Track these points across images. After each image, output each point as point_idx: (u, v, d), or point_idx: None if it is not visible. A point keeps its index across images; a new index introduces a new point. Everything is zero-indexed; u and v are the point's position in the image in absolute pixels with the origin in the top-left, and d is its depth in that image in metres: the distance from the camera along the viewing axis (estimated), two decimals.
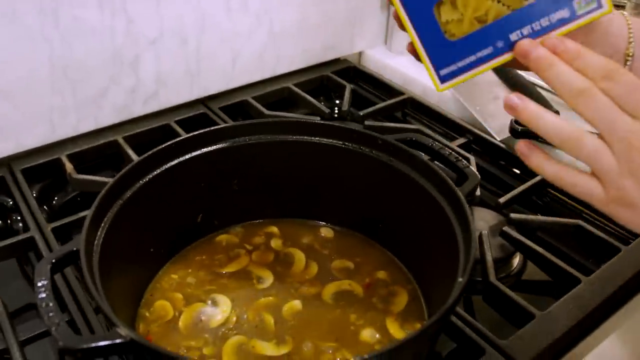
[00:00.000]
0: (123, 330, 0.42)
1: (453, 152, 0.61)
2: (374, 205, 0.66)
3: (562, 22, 0.47)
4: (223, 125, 0.65)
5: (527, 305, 0.64)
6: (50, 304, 0.44)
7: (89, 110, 0.88)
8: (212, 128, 0.65)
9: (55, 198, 0.85)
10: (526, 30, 0.48)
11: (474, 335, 0.61)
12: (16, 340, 0.59)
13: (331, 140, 0.65)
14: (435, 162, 0.64)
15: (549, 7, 0.47)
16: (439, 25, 0.50)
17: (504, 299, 0.66)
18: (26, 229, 0.76)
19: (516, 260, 0.76)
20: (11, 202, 0.82)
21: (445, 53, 0.51)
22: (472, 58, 0.50)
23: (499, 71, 1.03)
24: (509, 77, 1.02)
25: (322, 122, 0.65)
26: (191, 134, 0.63)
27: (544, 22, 0.47)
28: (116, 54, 0.86)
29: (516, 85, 1.01)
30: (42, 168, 0.85)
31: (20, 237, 0.72)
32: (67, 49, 0.82)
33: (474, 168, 0.85)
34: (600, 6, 0.46)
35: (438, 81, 0.55)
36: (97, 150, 0.88)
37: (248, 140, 0.65)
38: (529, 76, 1.03)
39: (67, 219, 0.75)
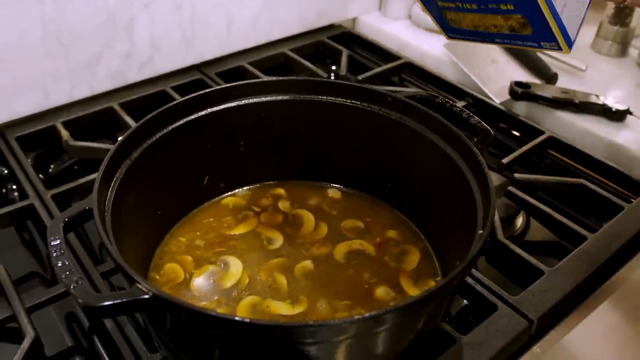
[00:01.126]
0: (144, 286, 0.41)
1: (463, 109, 0.60)
2: (382, 164, 0.65)
3: (531, 46, 0.57)
4: (229, 84, 0.63)
5: (536, 262, 0.65)
6: (67, 262, 0.43)
7: (83, 76, 0.86)
8: (218, 87, 0.63)
9: (52, 166, 0.84)
10: (507, 40, 0.57)
11: (485, 291, 0.61)
12: (23, 308, 0.58)
13: (339, 99, 0.64)
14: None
15: (524, 38, 0.56)
16: (444, 17, 0.59)
17: (513, 257, 0.66)
18: (23, 197, 0.75)
19: (519, 221, 0.76)
20: (6, 171, 0.80)
21: (449, 29, 0.61)
22: (470, 37, 0.60)
23: None
24: None
25: (329, 80, 0.64)
26: (197, 94, 0.62)
27: (519, 42, 0.57)
28: (110, 17, 0.84)
29: (514, 48, 1.01)
30: (37, 136, 0.83)
31: (19, 205, 0.71)
32: (60, 12, 0.79)
33: None
34: (560, 48, 0.55)
35: (445, 35, 0.63)
36: (93, 117, 0.86)
37: (254, 100, 0.64)
38: None
39: (66, 185, 0.73)
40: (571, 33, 0.55)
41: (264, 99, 0.64)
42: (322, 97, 0.64)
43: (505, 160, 0.80)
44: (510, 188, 0.75)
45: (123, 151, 0.55)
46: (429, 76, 1.00)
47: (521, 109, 0.92)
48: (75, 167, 0.84)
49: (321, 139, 0.67)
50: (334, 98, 0.64)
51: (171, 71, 0.95)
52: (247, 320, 0.39)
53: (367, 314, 0.40)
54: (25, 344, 0.54)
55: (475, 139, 0.58)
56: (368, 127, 0.64)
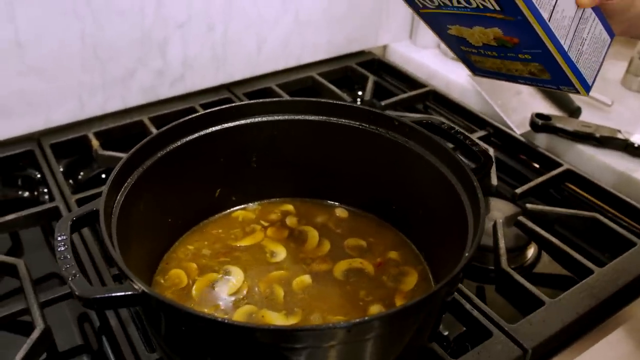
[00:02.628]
0: (136, 284, 0.44)
1: (467, 135, 0.62)
2: (388, 186, 0.67)
3: (551, 88, 0.61)
4: (244, 102, 0.67)
5: (537, 292, 0.65)
6: (68, 256, 0.46)
7: (117, 90, 0.91)
8: (234, 104, 0.66)
9: (81, 173, 0.88)
10: (528, 81, 0.61)
11: (481, 317, 0.62)
12: (37, 301, 0.61)
13: (349, 121, 0.66)
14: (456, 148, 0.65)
15: (543, 82, 0.60)
16: (469, 59, 0.63)
17: (515, 286, 0.66)
18: (52, 200, 0.79)
19: (530, 252, 0.76)
20: (39, 175, 0.85)
21: (474, 68, 0.64)
22: (494, 76, 0.64)
23: None
24: None
25: (340, 102, 0.66)
26: (213, 109, 0.65)
27: (540, 84, 0.61)
28: (145, 35, 0.89)
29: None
30: (70, 144, 0.88)
31: (45, 207, 0.75)
32: (98, 28, 0.84)
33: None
34: (578, 92, 0.59)
35: (472, 73, 0.66)
36: (123, 129, 0.91)
37: (267, 118, 0.67)
38: None
39: (91, 191, 0.78)
40: (588, 78, 0.58)
41: (276, 117, 0.67)
42: (332, 118, 0.67)
43: (518, 190, 0.80)
44: (520, 218, 0.75)
45: (136, 159, 0.59)
46: (452, 105, 1.01)
47: (542, 141, 0.92)
48: (103, 176, 0.88)
49: (331, 159, 0.69)
50: (344, 120, 0.66)
51: (201, 89, 0.99)
52: (221, 320, 0.41)
53: (341, 323, 0.42)
54: (35, 334, 0.58)
55: (476, 165, 0.59)
56: (375, 150, 0.66)
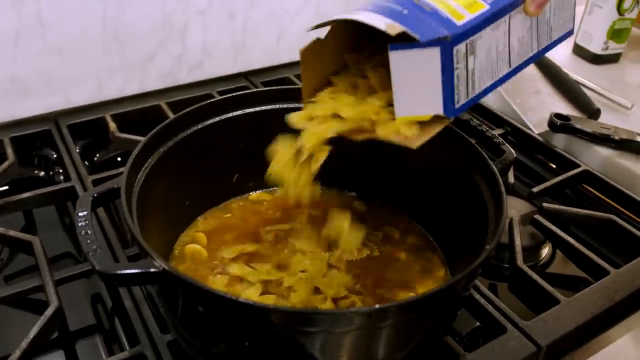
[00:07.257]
0: (157, 261, 0.43)
1: (490, 130, 0.61)
2: (409, 178, 0.67)
3: None
4: (265, 88, 0.67)
5: (552, 290, 0.64)
6: (89, 232, 0.46)
7: (136, 74, 0.91)
8: (255, 90, 0.66)
9: (97, 155, 0.88)
10: None
11: (496, 313, 0.61)
12: (51, 279, 0.61)
13: None
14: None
15: None
16: None
17: (530, 284, 0.66)
18: (67, 180, 0.79)
19: (545, 251, 0.76)
20: (55, 156, 0.85)
21: None
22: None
23: (542, 66, 1.02)
24: (551, 72, 1.02)
25: None
26: (235, 94, 0.65)
27: None
28: (166, 20, 0.89)
29: (559, 81, 1.01)
30: (87, 125, 0.88)
31: (61, 186, 0.75)
32: (120, 11, 0.84)
33: None
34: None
35: None
36: (141, 113, 0.91)
37: (288, 105, 0.67)
38: (572, 74, 1.02)
39: (107, 172, 0.78)
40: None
41: (297, 105, 0.67)
42: None
43: (535, 189, 0.80)
44: (537, 217, 0.74)
45: (156, 140, 0.59)
46: None
47: (560, 141, 0.91)
48: (119, 159, 0.88)
49: (350, 148, 0.68)
50: None
51: (219, 76, 0.99)
52: (235, 298, 0.41)
53: (360, 308, 0.41)
54: (49, 311, 0.57)
55: (497, 160, 0.59)
56: None
